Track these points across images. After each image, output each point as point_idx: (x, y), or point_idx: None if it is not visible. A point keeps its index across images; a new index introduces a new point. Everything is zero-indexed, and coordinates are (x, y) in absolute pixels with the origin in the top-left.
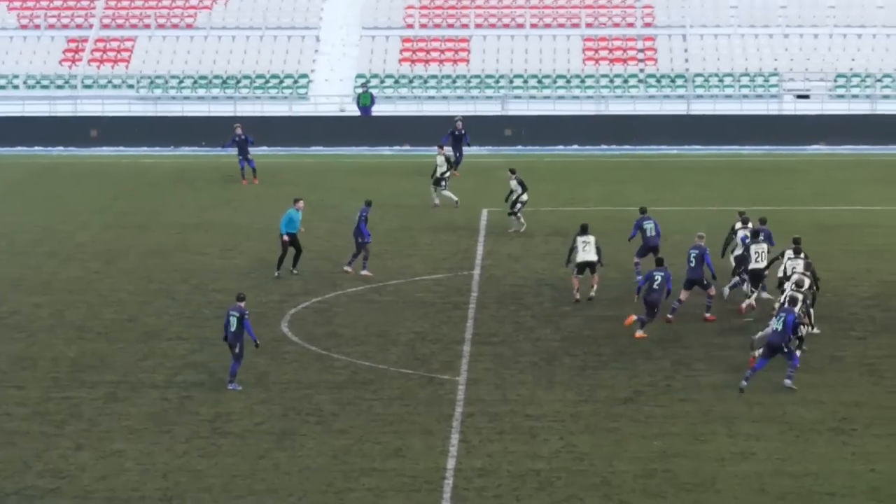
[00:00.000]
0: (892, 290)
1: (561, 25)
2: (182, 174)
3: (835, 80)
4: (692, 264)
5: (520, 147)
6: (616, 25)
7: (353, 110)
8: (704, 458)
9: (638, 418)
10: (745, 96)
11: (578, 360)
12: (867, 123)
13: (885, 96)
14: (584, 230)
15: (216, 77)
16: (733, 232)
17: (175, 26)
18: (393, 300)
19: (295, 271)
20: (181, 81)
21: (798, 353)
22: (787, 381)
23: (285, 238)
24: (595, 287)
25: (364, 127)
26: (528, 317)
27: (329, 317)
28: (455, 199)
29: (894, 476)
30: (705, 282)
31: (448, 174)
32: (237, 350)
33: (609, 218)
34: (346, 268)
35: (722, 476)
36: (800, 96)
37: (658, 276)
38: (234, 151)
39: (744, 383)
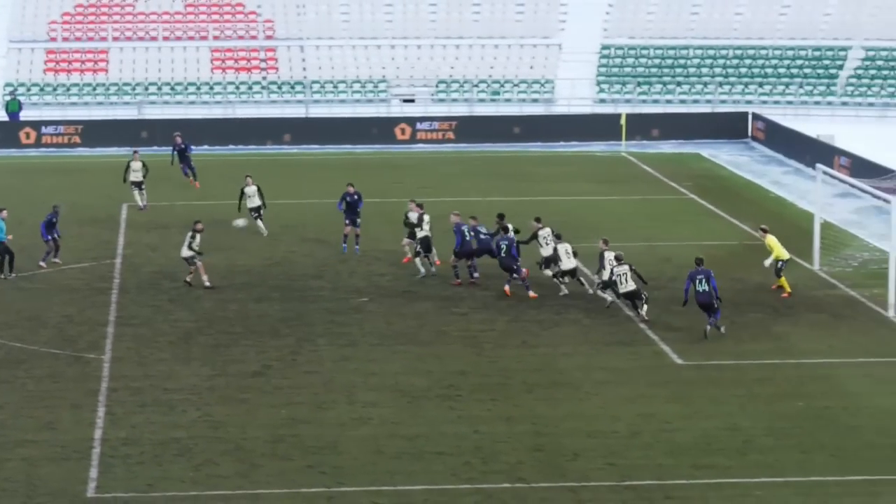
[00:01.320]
0: (487, 270)
1: (191, 38)
2: None
3: (436, 86)
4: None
5: (155, 147)
6: (241, 38)
7: (3, 116)
8: (327, 424)
9: (267, 389)
10: (358, 101)
11: (212, 339)
12: (466, 123)
13: (481, 100)
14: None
15: None
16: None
17: None
18: (42, 287)
19: (12, 275)
20: None
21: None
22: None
23: None
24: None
25: (12, 130)
26: (166, 300)
27: None
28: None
29: (495, 436)
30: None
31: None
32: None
33: (232, 210)
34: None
35: (343, 440)
36: (406, 100)
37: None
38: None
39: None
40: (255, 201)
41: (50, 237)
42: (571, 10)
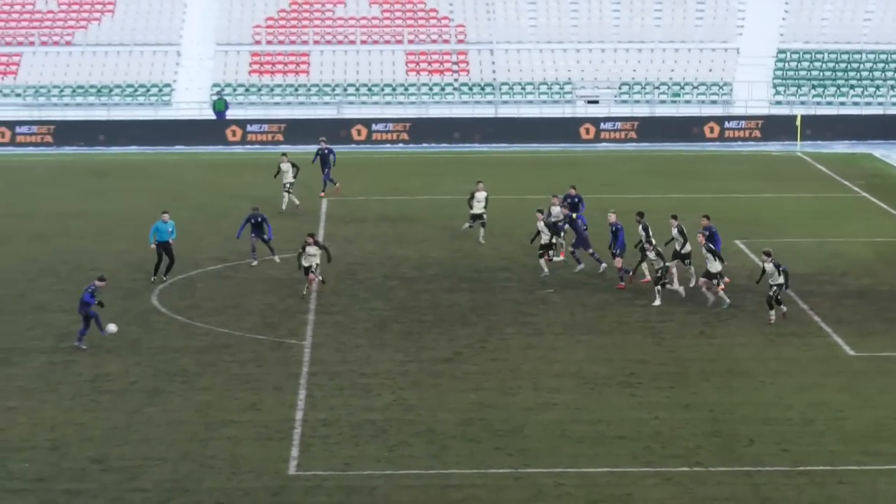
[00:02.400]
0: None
1: (387, 42)
2: (62, 170)
3: (619, 88)
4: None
5: (353, 145)
6: (434, 41)
7: (211, 114)
8: (514, 409)
9: (457, 375)
10: (544, 101)
11: (405, 327)
12: (647, 124)
13: (661, 101)
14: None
15: (91, 86)
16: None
17: (56, 43)
18: (246, 277)
19: (165, 278)
20: (61, 90)
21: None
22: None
23: (153, 247)
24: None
25: (219, 128)
26: (362, 290)
27: (192, 291)
28: (297, 202)
29: (673, 422)
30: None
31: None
32: (92, 315)
33: (428, 205)
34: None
35: (529, 424)
36: (590, 101)
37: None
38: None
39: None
40: (479, 208)
41: (257, 237)
42: (749, 15)
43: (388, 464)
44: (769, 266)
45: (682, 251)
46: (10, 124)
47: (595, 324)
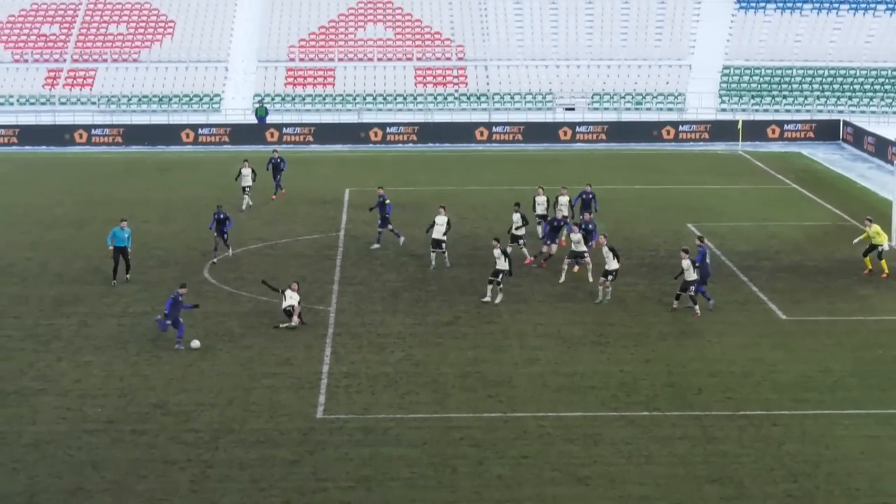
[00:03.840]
0: (632, 244)
1: (399, 59)
2: (130, 165)
3: (592, 97)
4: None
5: (370, 145)
6: (438, 59)
7: (253, 119)
8: (504, 364)
9: (457, 335)
10: (530, 108)
11: (414, 295)
12: (615, 128)
13: (627, 109)
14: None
15: (154, 95)
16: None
17: (125, 60)
18: (282, 254)
19: (127, 277)
20: (129, 99)
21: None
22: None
23: (111, 249)
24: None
25: (260, 131)
26: (378, 265)
27: (237, 265)
28: (251, 203)
29: (636, 374)
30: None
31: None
32: (180, 321)
33: (433, 195)
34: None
35: (516, 376)
36: (568, 109)
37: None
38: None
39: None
40: (542, 210)
41: (218, 234)
42: (699, 37)
43: (399, 409)
44: (685, 262)
45: (578, 250)
46: (88, 127)
47: (572, 293)
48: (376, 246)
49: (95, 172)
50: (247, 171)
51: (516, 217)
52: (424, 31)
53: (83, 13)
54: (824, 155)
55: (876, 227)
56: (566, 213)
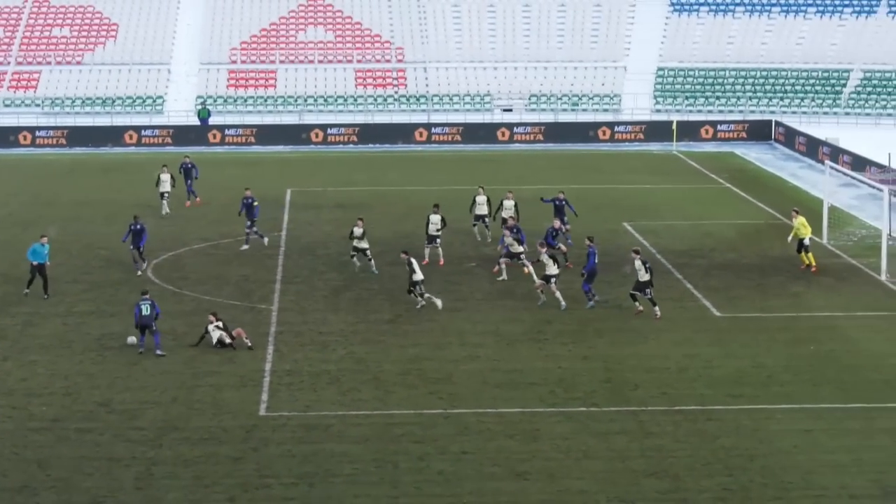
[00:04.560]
0: (578, 242)
1: (339, 61)
2: (75, 166)
3: (529, 99)
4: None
5: (311, 146)
6: (378, 61)
7: (195, 121)
8: (444, 361)
9: (398, 333)
10: (468, 110)
11: (355, 294)
12: (552, 128)
13: (563, 110)
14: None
15: (98, 98)
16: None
17: (69, 63)
18: (224, 253)
19: (46, 296)
20: (73, 101)
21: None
22: (158, 352)
23: (33, 264)
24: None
25: (202, 132)
26: (320, 264)
27: (180, 265)
28: (168, 210)
29: (574, 371)
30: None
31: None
32: (153, 327)
33: (374, 194)
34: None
35: (456, 373)
36: (505, 110)
37: (637, 264)
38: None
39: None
40: (482, 210)
41: (134, 247)
42: (634, 39)
43: (342, 406)
44: (637, 263)
45: (515, 251)
46: (32, 129)
47: (510, 291)
48: (245, 247)
49: (40, 174)
50: (165, 177)
51: (435, 218)
52: (364, 34)
53: (27, 16)
54: (757, 155)
55: (801, 219)
56: (512, 215)
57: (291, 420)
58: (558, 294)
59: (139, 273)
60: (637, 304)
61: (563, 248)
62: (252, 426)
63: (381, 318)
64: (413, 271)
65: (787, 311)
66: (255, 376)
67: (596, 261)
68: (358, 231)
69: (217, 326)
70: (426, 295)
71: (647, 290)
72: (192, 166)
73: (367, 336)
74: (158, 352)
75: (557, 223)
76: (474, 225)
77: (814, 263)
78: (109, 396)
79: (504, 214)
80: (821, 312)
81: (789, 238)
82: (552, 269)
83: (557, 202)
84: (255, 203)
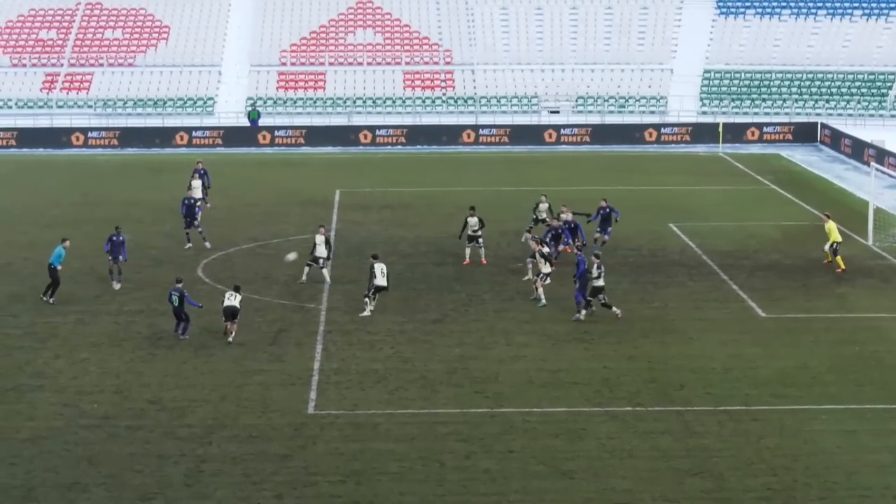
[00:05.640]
0: (615, 244)
1: (388, 63)
2: (125, 167)
3: (576, 101)
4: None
5: (360, 147)
6: (426, 63)
7: (246, 122)
8: (490, 360)
9: (444, 333)
10: (515, 111)
11: (403, 293)
12: (598, 130)
13: (610, 112)
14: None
15: (149, 99)
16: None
17: (121, 64)
18: (274, 253)
19: (50, 300)
20: (125, 103)
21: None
22: (183, 336)
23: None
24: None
25: (252, 133)
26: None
27: (230, 265)
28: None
29: (619, 371)
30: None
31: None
32: (183, 316)
33: (421, 195)
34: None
35: (502, 372)
36: (552, 112)
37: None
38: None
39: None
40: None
41: (113, 259)
42: (681, 42)
43: (388, 404)
44: (595, 266)
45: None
46: (84, 130)
47: (555, 291)
48: (188, 246)
49: (91, 174)
50: (196, 184)
51: (473, 220)
52: (413, 36)
53: (80, 19)
54: (802, 157)
55: (830, 224)
56: (544, 218)
57: (339, 418)
58: (541, 291)
59: (117, 287)
60: (587, 310)
61: (568, 249)
62: (300, 424)
63: (427, 318)
64: (373, 276)
65: (831, 312)
66: (303, 375)
67: (585, 268)
68: (319, 238)
69: (230, 297)
70: (367, 300)
71: (601, 296)
72: (204, 172)
73: (413, 336)
74: (183, 336)
75: (555, 222)
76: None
77: (842, 265)
78: (159, 394)
79: (544, 216)
80: (865, 314)
81: (827, 247)
82: (545, 269)
83: (603, 212)
84: (198, 204)
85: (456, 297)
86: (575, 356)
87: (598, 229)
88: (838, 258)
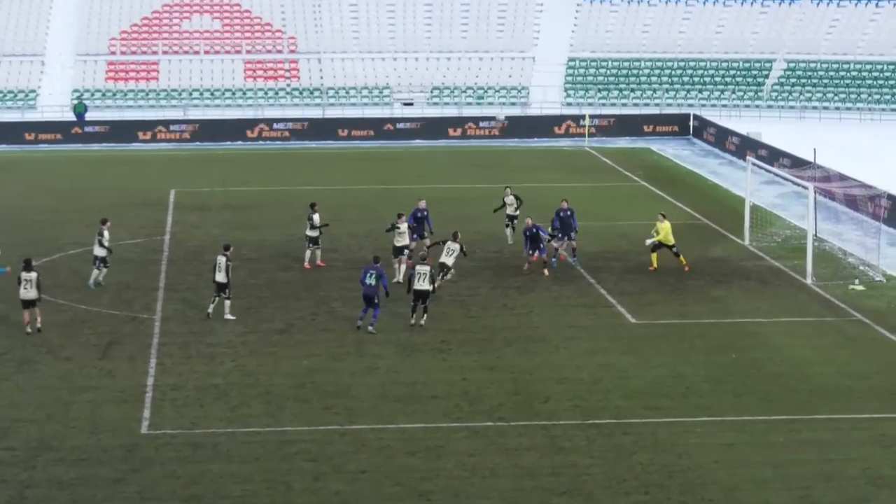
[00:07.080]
0: (476, 245)
1: (227, 52)
2: None
3: (431, 92)
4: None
5: (197, 143)
6: (269, 51)
7: (71, 116)
8: (341, 373)
9: (290, 344)
10: (366, 104)
11: (245, 302)
12: (456, 124)
13: (468, 103)
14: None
15: None
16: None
17: None
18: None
19: None
20: None
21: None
22: (370, 329)
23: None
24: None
25: (79, 128)
26: (207, 269)
27: (55, 272)
28: None
29: (479, 383)
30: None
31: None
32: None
33: (265, 195)
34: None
35: (354, 385)
36: (405, 104)
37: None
38: None
39: (359, 322)
40: (512, 210)
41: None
42: (543, 28)
43: (230, 422)
44: (427, 271)
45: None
46: None
47: (403, 300)
48: None
49: None
50: None
51: (316, 218)
52: (254, 22)
53: None
54: (674, 151)
55: (665, 225)
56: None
57: (176, 438)
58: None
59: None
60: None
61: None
62: (133, 445)
63: (272, 328)
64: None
65: (706, 318)
66: (136, 391)
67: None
68: (221, 261)
69: (25, 285)
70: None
71: (426, 300)
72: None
73: (256, 347)
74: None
75: (530, 221)
76: (507, 226)
77: (654, 265)
78: None
79: (509, 211)
80: (743, 318)
81: (648, 242)
82: (449, 260)
83: (562, 214)
84: None
85: (303, 305)
86: (432, 368)
87: (560, 236)
88: (654, 256)
